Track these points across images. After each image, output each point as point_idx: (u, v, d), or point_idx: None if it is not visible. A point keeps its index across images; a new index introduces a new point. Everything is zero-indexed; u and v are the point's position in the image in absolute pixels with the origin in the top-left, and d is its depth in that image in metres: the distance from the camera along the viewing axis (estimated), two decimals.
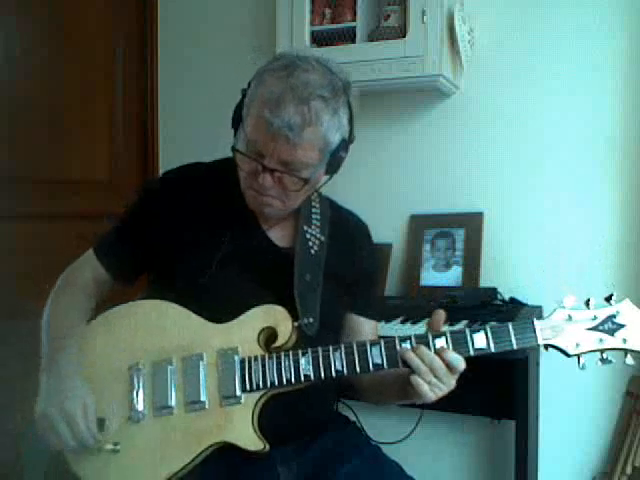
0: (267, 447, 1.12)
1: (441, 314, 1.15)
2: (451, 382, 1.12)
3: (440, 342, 1.11)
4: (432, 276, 2.13)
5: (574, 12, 2.01)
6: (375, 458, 1.28)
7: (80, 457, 1.16)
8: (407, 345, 1.12)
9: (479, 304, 1.88)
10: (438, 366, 1.09)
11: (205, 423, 1.14)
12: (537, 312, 1.90)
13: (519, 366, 1.72)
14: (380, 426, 1.91)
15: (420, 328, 1.75)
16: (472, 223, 2.11)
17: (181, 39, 2.61)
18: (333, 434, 1.30)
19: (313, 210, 1.33)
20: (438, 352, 1.10)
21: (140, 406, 1.16)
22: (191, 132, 2.54)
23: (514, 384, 1.73)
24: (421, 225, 2.19)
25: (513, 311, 1.84)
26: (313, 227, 1.31)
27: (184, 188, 1.30)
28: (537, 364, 1.96)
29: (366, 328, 1.36)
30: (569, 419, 2.04)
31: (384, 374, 1.21)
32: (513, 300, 1.99)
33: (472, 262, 2.07)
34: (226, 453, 1.15)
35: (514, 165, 2.10)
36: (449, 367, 1.10)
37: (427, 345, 1.11)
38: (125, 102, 2.57)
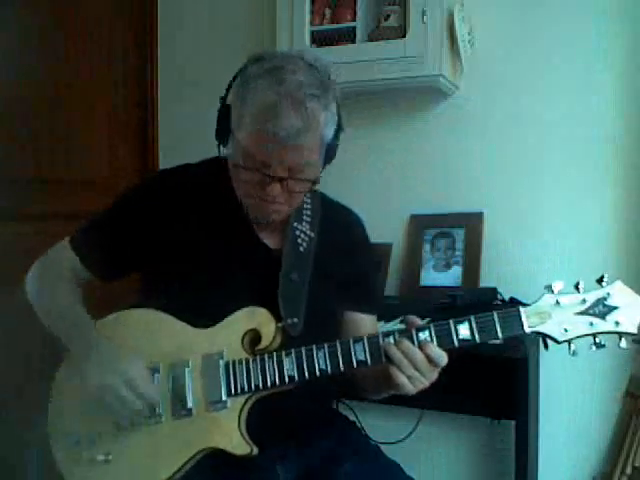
0: (255, 451, 1.12)
1: (413, 320, 1.13)
2: (433, 375, 1.10)
3: (424, 335, 1.10)
4: (432, 276, 2.12)
5: (574, 12, 2.01)
6: (375, 458, 1.28)
7: (73, 469, 1.17)
8: (390, 340, 1.10)
9: (479, 304, 1.88)
10: (420, 360, 1.08)
11: (192, 429, 1.14)
12: None
13: (519, 366, 1.72)
14: (380, 426, 1.90)
15: None
16: (472, 223, 2.11)
17: (181, 39, 2.61)
18: (333, 434, 1.30)
19: (304, 206, 1.32)
20: (421, 346, 1.08)
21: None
22: (191, 132, 2.54)
23: (514, 384, 1.73)
24: (421, 225, 2.19)
25: None
26: (303, 224, 1.30)
27: (173, 190, 1.28)
28: (537, 364, 1.96)
29: (365, 324, 1.35)
30: (569, 419, 2.03)
31: (374, 369, 1.20)
32: (513, 300, 1.98)
33: (472, 262, 2.07)
34: (224, 455, 1.15)
35: (514, 165, 2.10)
36: (431, 361, 1.08)
37: (410, 339, 1.09)
38: (125, 102, 2.57)
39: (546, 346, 1.95)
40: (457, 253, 2.11)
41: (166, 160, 2.60)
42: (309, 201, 1.33)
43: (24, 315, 1.34)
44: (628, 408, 1.94)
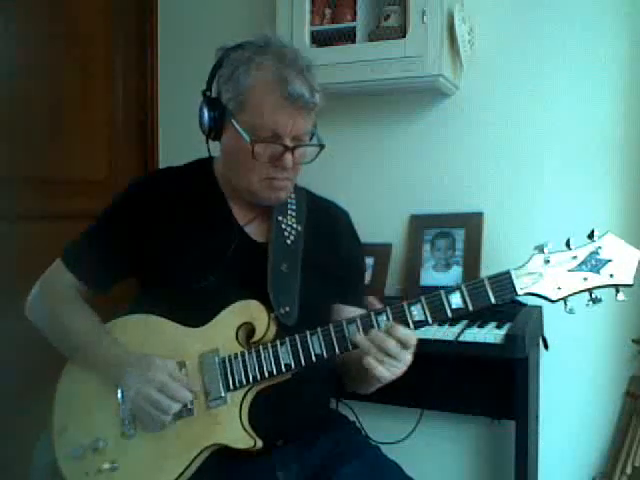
0: (258, 443, 1.13)
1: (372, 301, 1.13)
2: (407, 357, 1.09)
3: (415, 310, 1.09)
4: (432, 276, 2.12)
5: (574, 12, 2.01)
6: (375, 458, 1.28)
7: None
8: (383, 318, 1.10)
9: None
10: (391, 346, 1.06)
11: (195, 428, 1.15)
12: (537, 312, 1.90)
13: (519, 366, 1.72)
14: (380, 426, 1.90)
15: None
16: (472, 223, 2.11)
17: (181, 39, 2.61)
18: (333, 434, 1.30)
19: (289, 200, 1.34)
20: (388, 330, 1.07)
21: (131, 421, 1.18)
22: (191, 132, 2.53)
23: (514, 384, 1.73)
24: (421, 225, 2.19)
25: (513, 311, 1.84)
26: (289, 217, 1.32)
27: (158, 194, 1.30)
28: (537, 364, 1.96)
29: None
30: (569, 419, 2.03)
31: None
32: (513, 300, 1.98)
33: (472, 262, 2.07)
34: (225, 459, 1.15)
35: (514, 165, 2.09)
36: (401, 343, 1.07)
37: (403, 317, 1.08)
38: (125, 102, 2.57)
39: (546, 346, 1.97)
40: (457, 253, 2.11)
41: (166, 160, 2.60)
42: (293, 195, 1.35)
43: (23, 316, 1.35)
44: (628, 408, 1.94)
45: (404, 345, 1.07)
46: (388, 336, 1.07)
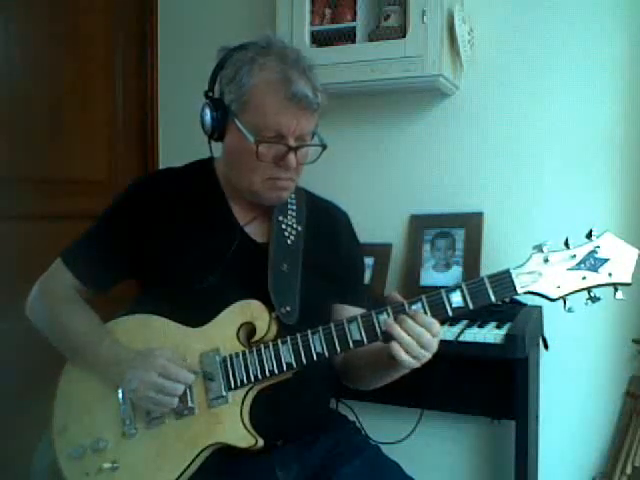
0: (259, 442, 1.13)
1: (397, 296, 1.12)
2: (433, 345, 1.09)
3: (416, 308, 1.09)
4: (432, 276, 2.12)
5: (574, 12, 2.01)
6: (375, 458, 1.28)
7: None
8: (384, 317, 1.10)
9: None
10: (426, 338, 1.06)
11: (196, 427, 1.15)
12: (537, 312, 1.90)
13: (519, 366, 1.72)
14: (380, 426, 1.90)
15: None
16: (472, 223, 2.11)
17: (181, 39, 2.61)
18: (332, 434, 1.30)
19: (289, 200, 1.34)
20: (413, 317, 1.08)
21: (132, 421, 1.18)
22: (191, 132, 2.53)
23: (514, 384, 1.73)
24: (421, 225, 2.19)
25: (513, 311, 1.84)
26: (289, 217, 1.32)
27: (159, 195, 1.30)
28: (537, 364, 1.97)
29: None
30: (569, 419, 2.04)
31: (373, 352, 1.20)
32: (513, 300, 1.98)
33: (472, 262, 2.07)
34: (225, 459, 1.15)
35: (514, 165, 2.09)
36: (426, 329, 1.07)
37: (404, 313, 1.09)
38: (125, 102, 2.57)
39: (546, 346, 1.96)
40: (457, 253, 2.11)
41: (166, 160, 2.60)
42: (293, 195, 1.35)
43: (23, 316, 1.35)
44: (628, 408, 1.94)
45: (429, 331, 1.07)
46: (425, 330, 1.07)
